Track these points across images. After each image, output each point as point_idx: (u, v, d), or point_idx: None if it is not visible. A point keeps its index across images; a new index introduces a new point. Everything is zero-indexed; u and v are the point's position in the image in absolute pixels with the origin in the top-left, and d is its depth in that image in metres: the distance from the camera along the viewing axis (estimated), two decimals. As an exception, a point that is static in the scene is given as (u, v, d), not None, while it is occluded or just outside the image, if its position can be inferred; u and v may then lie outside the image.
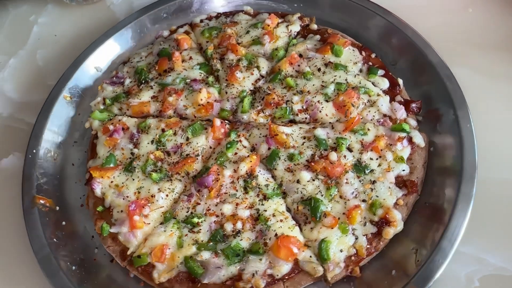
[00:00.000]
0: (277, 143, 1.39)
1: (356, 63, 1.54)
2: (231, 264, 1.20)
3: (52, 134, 1.56)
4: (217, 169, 1.35)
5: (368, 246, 1.22)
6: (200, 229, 1.27)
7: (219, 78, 1.59)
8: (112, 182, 1.39)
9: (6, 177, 1.43)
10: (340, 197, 1.28)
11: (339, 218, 1.24)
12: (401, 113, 1.42)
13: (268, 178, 1.36)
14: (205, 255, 1.22)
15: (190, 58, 1.63)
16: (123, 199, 1.35)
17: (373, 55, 1.58)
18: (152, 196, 1.34)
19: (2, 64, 1.82)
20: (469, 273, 1.22)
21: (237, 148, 1.40)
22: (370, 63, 1.55)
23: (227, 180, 1.34)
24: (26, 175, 1.45)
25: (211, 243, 1.25)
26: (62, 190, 1.49)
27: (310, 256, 1.20)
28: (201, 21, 1.79)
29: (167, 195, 1.35)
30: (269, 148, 1.40)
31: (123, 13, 1.92)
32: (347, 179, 1.30)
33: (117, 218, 1.33)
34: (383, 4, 1.67)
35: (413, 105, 1.45)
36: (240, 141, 1.43)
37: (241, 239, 1.24)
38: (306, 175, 1.32)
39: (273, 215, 1.27)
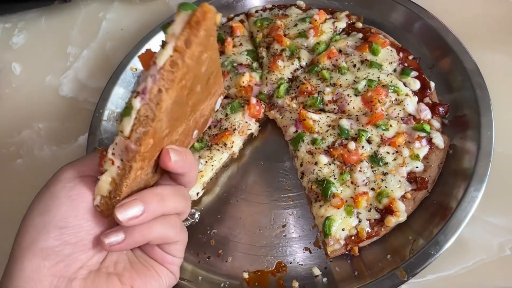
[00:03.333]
0: (304, 127, 1.53)
1: (391, 62, 1.62)
2: None
3: (117, 99, 1.82)
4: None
5: (369, 230, 1.33)
6: None
7: (263, 64, 1.75)
8: None
9: (83, 152, 1.71)
10: (352, 182, 1.39)
11: (346, 201, 1.36)
12: (425, 114, 1.49)
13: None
14: None
15: (241, 44, 1.81)
16: None
17: (410, 57, 1.64)
18: None
19: (76, 55, 2.10)
20: (501, 242, 1.30)
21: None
22: (406, 64, 1.62)
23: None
24: (92, 130, 1.72)
25: None
26: (118, 146, 1.73)
27: None
28: (256, 11, 1.95)
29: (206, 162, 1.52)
30: (296, 131, 1.54)
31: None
32: (360, 168, 1.41)
33: None
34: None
35: (440, 108, 1.51)
36: None
37: None
38: (324, 159, 1.45)
39: None
